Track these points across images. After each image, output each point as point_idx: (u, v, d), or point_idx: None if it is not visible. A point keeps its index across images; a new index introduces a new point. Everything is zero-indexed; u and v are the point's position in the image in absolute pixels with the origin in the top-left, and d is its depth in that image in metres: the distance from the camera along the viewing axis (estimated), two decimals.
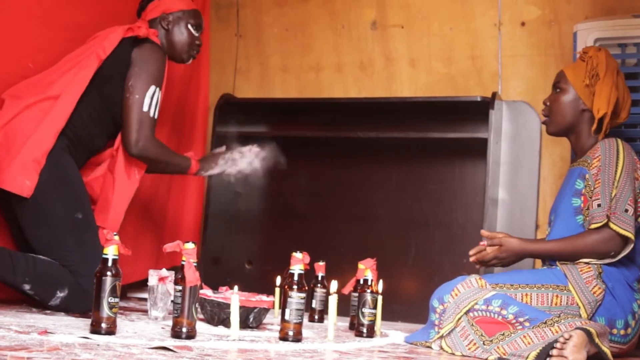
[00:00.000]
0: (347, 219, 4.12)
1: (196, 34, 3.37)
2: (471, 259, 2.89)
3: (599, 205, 2.69)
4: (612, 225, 2.65)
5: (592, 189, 2.76)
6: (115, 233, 2.35)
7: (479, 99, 3.73)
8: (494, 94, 3.70)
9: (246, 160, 3.40)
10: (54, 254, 2.92)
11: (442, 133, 3.79)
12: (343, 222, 4.13)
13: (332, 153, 4.14)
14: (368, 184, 4.11)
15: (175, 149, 3.73)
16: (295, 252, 2.56)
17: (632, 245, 2.68)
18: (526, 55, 3.92)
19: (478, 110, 3.73)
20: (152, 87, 3.14)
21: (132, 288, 3.84)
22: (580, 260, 2.71)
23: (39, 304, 2.93)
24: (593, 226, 2.69)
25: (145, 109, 3.12)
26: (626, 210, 2.66)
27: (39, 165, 2.91)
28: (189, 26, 3.35)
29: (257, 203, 4.37)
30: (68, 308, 2.89)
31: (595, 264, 2.70)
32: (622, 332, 2.67)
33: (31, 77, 3.14)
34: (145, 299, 3.27)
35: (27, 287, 2.84)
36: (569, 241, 2.76)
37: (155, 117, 3.17)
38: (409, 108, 3.98)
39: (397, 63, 4.20)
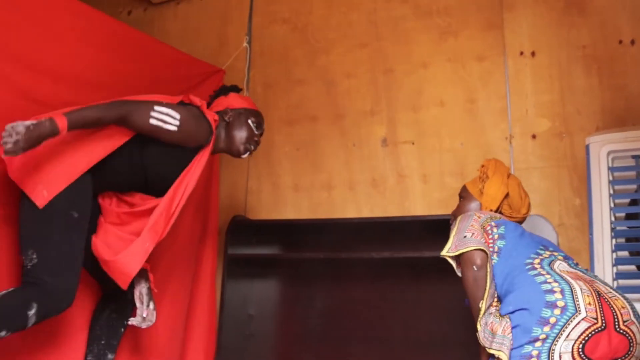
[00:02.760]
0: (363, 340, 4.01)
1: (256, 132, 3.41)
2: None
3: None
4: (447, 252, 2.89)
5: None
6: None
7: None
8: None
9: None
10: (29, 244, 2.88)
11: None
12: (359, 343, 4.02)
13: (346, 274, 4.06)
14: (383, 304, 4.02)
15: (182, 273, 3.74)
16: None
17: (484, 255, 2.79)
18: (539, 168, 3.88)
19: None
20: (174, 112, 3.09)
21: None
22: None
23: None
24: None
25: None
26: (464, 237, 2.84)
27: (63, 184, 2.90)
28: (249, 121, 3.39)
29: (270, 326, 4.27)
30: (46, 316, 2.85)
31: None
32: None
33: None
34: None
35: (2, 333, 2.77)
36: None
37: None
38: (422, 226, 3.92)
39: (409, 179, 4.17)
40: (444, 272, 3.89)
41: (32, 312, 2.79)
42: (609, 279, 3.19)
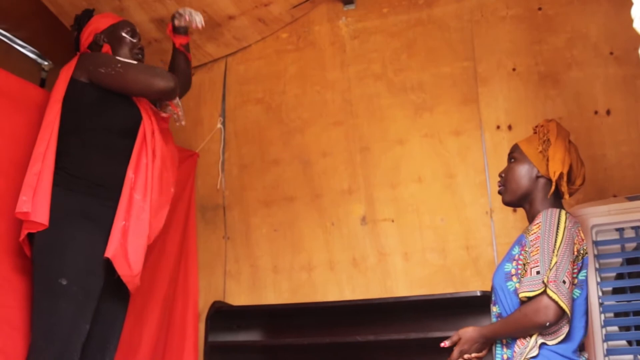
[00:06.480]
0: None
1: (134, 40, 3.45)
2: None
3: (537, 273, 2.57)
4: (549, 292, 2.51)
5: (527, 254, 2.66)
6: None
7: (478, 294, 3.59)
8: None
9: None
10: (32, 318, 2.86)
11: (443, 332, 3.59)
12: None
13: (331, 358, 3.94)
14: None
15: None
16: None
17: (567, 327, 2.59)
18: None
19: (479, 304, 3.57)
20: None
21: None
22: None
23: None
24: (526, 294, 2.56)
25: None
26: (564, 282, 2.53)
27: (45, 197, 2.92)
28: (123, 34, 3.43)
29: None
30: None
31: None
32: None
33: None
34: None
35: None
36: (510, 317, 2.65)
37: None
38: (406, 307, 3.83)
39: (390, 258, 4.10)
40: (430, 353, 3.80)
41: None
42: (600, 356, 3.12)
